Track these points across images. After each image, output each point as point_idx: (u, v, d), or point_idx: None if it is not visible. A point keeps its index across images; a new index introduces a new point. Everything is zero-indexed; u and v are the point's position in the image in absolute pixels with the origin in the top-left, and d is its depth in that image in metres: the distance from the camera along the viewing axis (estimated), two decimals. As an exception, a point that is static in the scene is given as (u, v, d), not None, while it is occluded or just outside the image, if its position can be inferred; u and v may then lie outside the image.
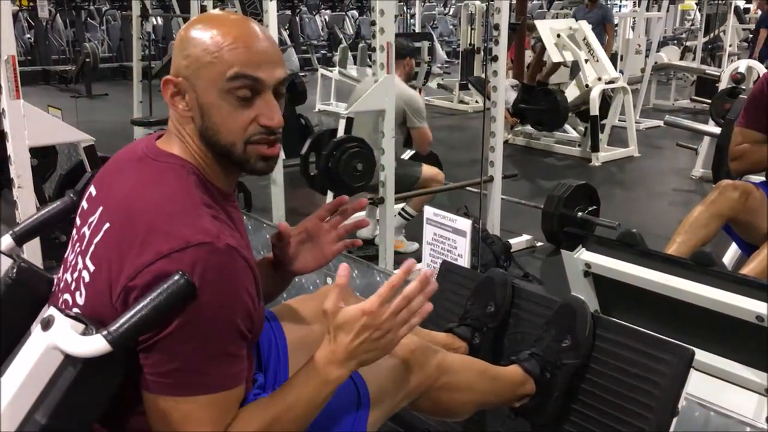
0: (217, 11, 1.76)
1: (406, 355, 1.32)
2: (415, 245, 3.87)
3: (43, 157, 3.81)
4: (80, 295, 1.06)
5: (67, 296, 1.10)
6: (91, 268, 1.05)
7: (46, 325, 0.90)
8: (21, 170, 2.35)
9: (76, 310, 1.06)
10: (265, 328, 1.34)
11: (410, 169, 3.78)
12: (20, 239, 1.18)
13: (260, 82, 1.09)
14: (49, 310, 0.91)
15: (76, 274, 1.08)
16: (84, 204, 1.17)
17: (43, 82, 10.72)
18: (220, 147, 1.12)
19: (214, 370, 1.00)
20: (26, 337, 0.98)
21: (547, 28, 6.25)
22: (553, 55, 6.14)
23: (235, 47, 1.07)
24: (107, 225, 1.06)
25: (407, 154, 4.05)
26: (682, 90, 9.08)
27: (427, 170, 3.86)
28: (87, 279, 1.05)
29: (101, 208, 1.10)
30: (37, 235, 1.24)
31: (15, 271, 1.06)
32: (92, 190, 1.17)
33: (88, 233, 1.09)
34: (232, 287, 1.01)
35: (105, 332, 0.88)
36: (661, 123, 6.93)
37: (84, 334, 0.89)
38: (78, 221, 1.16)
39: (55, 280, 1.18)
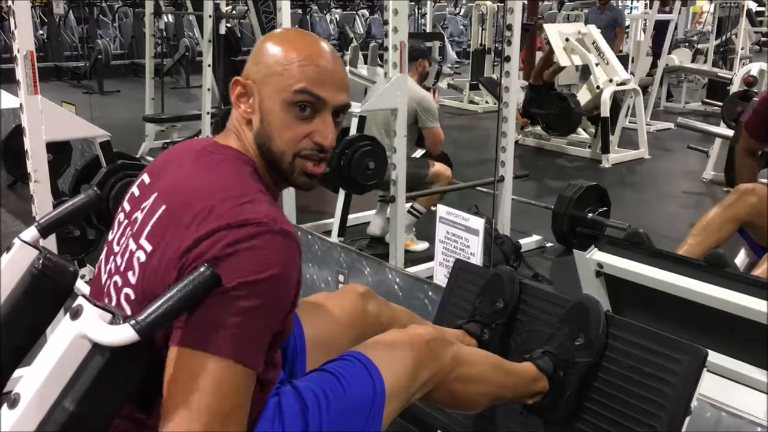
0: (293, 29, 1.82)
1: (421, 346, 1.33)
2: (426, 244, 3.88)
3: (58, 153, 3.83)
4: (133, 274, 1.09)
5: (116, 278, 1.12)
6: (148, 247, 1.08)
7: (75, 314, 0.91)
8: (38, 165, 2.37)
9: (127, 290, 1.09)
10: None
11: (418, 168, 3.79)
12: (45, 231, 1.20)
13: (322, 101, 1.16)
14: (78, 300, 0.93)
15: (127, 256, 1.11)
16: (135, 191, 1.21)
17: (56, 79, 10.78)
18: (270, 153, 1.17)
19: (247, 338, 1.01)
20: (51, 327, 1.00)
21: (555, 32, 6.25)
22: (562, 59, 6.15)
23: (306, 64, 1.15)
24: (163, 207, 1.10)
25: (418, 153, 4.07)
26: (693, 93, 9.06)
27: (435, 167, 3.88)
28: (143, 258, 1.08)
29: (156, 194, 1.14)
30: (61, 228, 1.25)
31: (41, 262, 1.08)
32: (144, 178, 1.22)
33: (140, 217, 1.13)
34: (284, 268, 1.04)
35: (133, 321, 0.90)
36: (671, 125, 6.93)
37: (112, 323, 0.91)
38: (127, 207, 1.20)
39: (96, 269, 1.21)
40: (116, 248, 1.16)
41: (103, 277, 1.17)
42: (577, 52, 6.19)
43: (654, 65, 7.95)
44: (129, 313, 1.08)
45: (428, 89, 3.95)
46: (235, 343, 0.99)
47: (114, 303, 1.12)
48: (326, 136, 1.17)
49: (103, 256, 1.20)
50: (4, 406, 0.93)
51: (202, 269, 0.95)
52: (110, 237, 1.21)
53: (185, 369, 0.99)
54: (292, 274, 1.06)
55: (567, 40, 6.18)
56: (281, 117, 1.15)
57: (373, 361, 1.27)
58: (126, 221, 1.17)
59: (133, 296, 1.09)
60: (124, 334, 0.90)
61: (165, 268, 1.04)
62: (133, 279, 1.09)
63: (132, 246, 1.11)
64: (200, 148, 1.21)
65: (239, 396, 1.01)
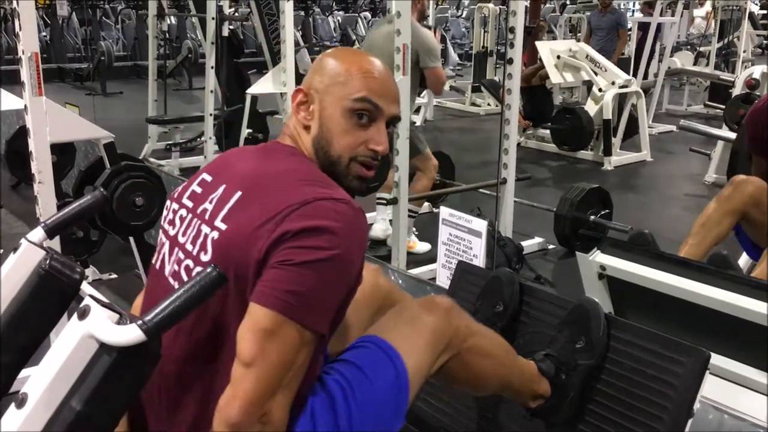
0: (352, 48, 1.93)
1: (438, 312, 1.37)
2: (428, 246, 3.88)
3: (62, 154, 3.85)
4: (205, 253, 1.19)
5: (188, 262, 1.22)
6: (223, 227, 1.18)
7: (83, 314, 0.92)
8: (42, 166, 2.37)
9: (199, 268, 1.18)
10: None
11: (418, 139, 3.77)
12: (52, 232, 1.21)
13: (379, 109, 1.28)
14: (85, 300, 0.94)
15: (200, 240, 1.20)
16: (196, 188, 1.30)
17: (59, 80, 10.79)
18: (328, 156, 1.29)
19: (322, 310, 1.11)
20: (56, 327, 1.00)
21: (547, 50, 6.29)
22: (553, 76, 6.19)
23: (367, 76, 1.29)
24: (239, 193, 1.21)
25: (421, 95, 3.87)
26: (695, 95, 9.05)
27: (429, 153, 3.88)
28: (216, 236, 1.18)
29: (224, 185, 1.24)
30: (67, 228, 1.26)
31: (48, 262, 1.09)
32: (205, 176, 1.31)
33: (210, 207, 1.23)
34: (362, 242, 1.17)
35: (140, 322, 0.91)
36: (674, 128, 6.93)
37: (119, 323, 0.92)
38: (189, 203, 1.28)
39: (159, 262, 1.29)
40: (182, 239, 1.25)
41: (168, 267, 1.26)
42: (570, 67, 6.23)
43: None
44: None
45: (430, 28, 3.80)
46: (309, 307, 1.09)
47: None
48: (380, 143, 1.28)
49: (165, 249, 1.28)
50: (12, 405, 0.94)
51: (208, 270, 0.96)
52: (172, 233, 1.28)
53: (257, 324, 1.07)
54: (363, 248, 1.18)
55: (558, 57, 6.22)
56: (341, 123, 1.27)
57: (391, 343, 1.29)
58: (191, 215, 1.26)
59: None
60: (131, 334, 0.91)
61: (248, 235, 1.12)
62: (205, 257, 1.18)
63: (205, 230, 1.20)
64: (262, 147, 1.34)
65: (300, 357, 1.09)
